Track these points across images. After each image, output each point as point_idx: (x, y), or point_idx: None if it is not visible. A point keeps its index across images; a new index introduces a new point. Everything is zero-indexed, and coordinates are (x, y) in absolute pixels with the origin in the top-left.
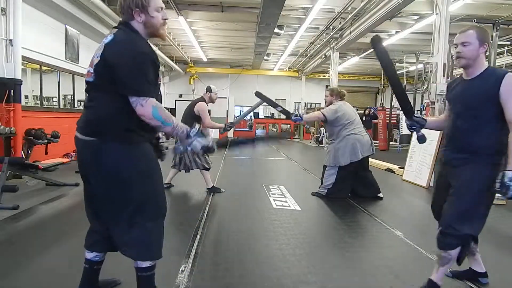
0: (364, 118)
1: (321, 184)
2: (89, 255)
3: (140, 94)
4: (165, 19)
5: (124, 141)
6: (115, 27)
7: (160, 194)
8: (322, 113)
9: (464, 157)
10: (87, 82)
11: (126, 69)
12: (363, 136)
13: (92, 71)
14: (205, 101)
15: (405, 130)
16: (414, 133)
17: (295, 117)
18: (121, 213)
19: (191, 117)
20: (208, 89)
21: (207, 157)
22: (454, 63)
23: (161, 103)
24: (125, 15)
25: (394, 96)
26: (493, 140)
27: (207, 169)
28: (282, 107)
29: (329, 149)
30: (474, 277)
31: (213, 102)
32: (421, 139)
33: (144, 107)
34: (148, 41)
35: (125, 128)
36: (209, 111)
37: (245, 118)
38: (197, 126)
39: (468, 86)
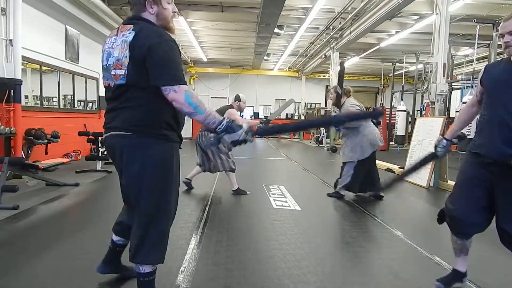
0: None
1: (339, 180)
2: (115, 237)
3: (173, 81)
4: (175, 12)
5: (162, 139)
6: (128, 23)
7: (172, 196)
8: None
9: None
10: (117, 86)
11: (157, 59)
12: (373, 128)
13: (123, 73)
14: (233, 108)
15: (400, 131)
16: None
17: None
18: (136, 209)
19: None
20: (237, 98)
21: (232, 158)
22: (504, 52)
23: None
24: (136, 6)
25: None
26: None
27: (233, 171)
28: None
29: (348, 144)
30: (458, 279)
31: (241, 111)
32: (461, 138)
33: (178, 92)
34: None
35: (161, 126)
36: None
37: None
38: (226, 120)
39: None
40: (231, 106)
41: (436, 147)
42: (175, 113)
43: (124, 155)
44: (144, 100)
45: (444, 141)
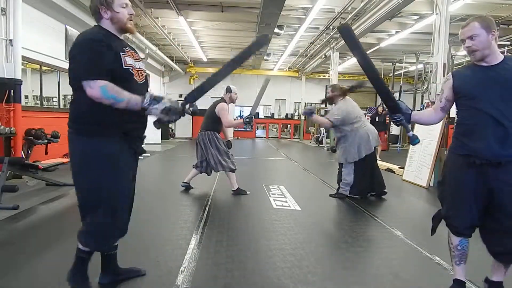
0: (377, 119)
1: (339, 183)
2: None
3: (87, 77)
4: (131, 14)
5: (85, 135)
6: None
7: (103, 191)
8: (328, 119)
9: None
10: None
11: (72, 59)
12: (369, 127)
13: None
14: (225, 102)
15: (394, 131)
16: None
17: (309, 111)
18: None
19: (213, 118)
20: (228, 90)
21: (232, 158)
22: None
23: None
24: (95, 16)
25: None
26: None
27: (233, 171)
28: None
29: (341, 146)
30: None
31: (233, 102)
32: (413, 140)
33: (93, 88)
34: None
35: (92, 122)
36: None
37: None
38: (147, 94)
39: (498, 71)
40: (222, 99)
41: (403, 107)
42: (114, 110)
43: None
44: (76, 99)
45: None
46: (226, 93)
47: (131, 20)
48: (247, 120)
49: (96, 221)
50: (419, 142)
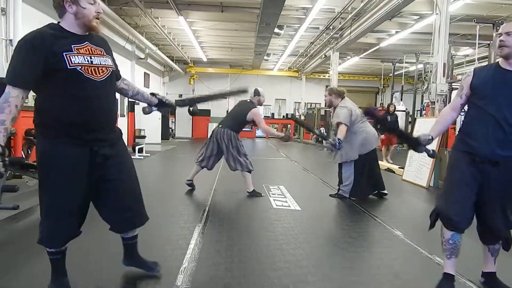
0: (388, 118)
1: (340, 183)
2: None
3: (8, 81)
4: (98, 12)
5: (40, 136)
6: None
7: (46, 190)
8: (343, 123)
9: None
10: None
11: (12, 57)
12: (368, 128)
13: None
14: (255, 106)
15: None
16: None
17: (338, 145)
18: None
19: (240, 121)
20: (256, 93)
21: (249, 159)
22: (496, 52)
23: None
24: (57, 10)
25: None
26: None
27: (250, 171)
28: (319, 133)
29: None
30: (450, 283)
31: (261, 105)
32: (432, 155)
33: (7, 89)
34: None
35: (41, 124)
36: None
37: None
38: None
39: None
40: (251, 102)
41: (423, 141)
42: (66, 113)
43: None
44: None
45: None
46: (254, 96)
47: (98, 19)
48: (286, 137)
49: (41, 217)
50: (437, 156)
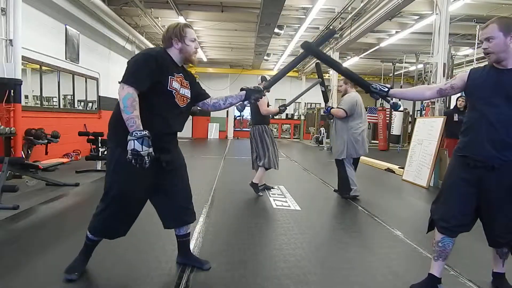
0: (455, 117)
1: (345, 185)
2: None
3: (124, 80)
4: (197, 48)
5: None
6: None
7: (111, 186)
8: (343, 109)
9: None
10: None
11: (128, 63)
12: (364, 134)
13: None
14: None
15: (395, 130)
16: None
17: (327, 108)
18: None
19: (257, 111)
20: (263, 79)
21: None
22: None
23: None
24: (165, 43)
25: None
26: None
27: (266, 169)
28: (325, 88)
29: (346, 139)
30: (434, 284)
31: (268, 92)
32: (394, 107)
33: (123, 89)
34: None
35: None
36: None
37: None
38: (145, 132)
39: (508, 75)
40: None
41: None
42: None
43: None
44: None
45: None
46: (261, 82)
47: (196, 53)
48: (282, 108)
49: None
50: (400, 107)
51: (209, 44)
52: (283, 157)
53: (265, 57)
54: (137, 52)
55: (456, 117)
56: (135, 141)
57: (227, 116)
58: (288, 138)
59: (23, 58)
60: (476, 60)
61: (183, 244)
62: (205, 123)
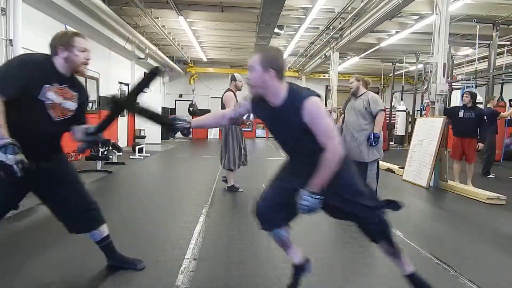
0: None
1: (376, 186)
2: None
3: None
4: (87, 59)
5: None
6: None
7: None
8: (383, 111)
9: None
10: None
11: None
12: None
13: None
14: (232, 91)
15: (399, 131)
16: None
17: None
18: None
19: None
20: (233, 78)
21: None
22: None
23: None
24: (51, 50)
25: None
26: None
27: (231, 170)
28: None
29: (360, 142)
30: (301, 271)
31: (239, 90)
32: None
33: None
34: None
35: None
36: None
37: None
38: (8, 140)
39: (278, 112)
40: (228, 89)
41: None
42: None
43: None
44: None
45: None
46: (231, 81)
47: (86, 64)
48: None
49: None
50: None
51: (209, 44)
52: (283, 157)
53: None
54: (137, 52)
55: (461, 114)
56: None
57: None
58: None
59: None
60: (477, 60)
61: (104, 249)
62: None
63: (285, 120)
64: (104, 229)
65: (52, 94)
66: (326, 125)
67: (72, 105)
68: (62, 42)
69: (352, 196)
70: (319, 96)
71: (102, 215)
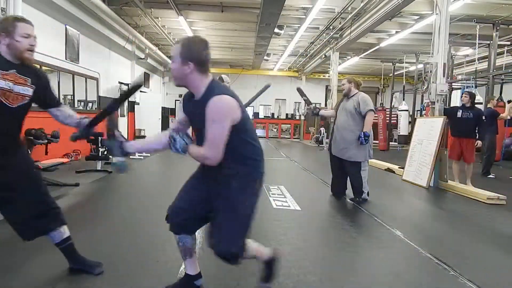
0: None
1: (359, 187)
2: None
3: None
4: (32, 45)
5: None
6: None
7: None
8: (372, 111)
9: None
10: None
11: None
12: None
13: None
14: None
15: (403, 131)
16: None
17: (367, 139)
18: None
19: None
20: (220, 79)
21: None
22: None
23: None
24: None
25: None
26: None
27: None
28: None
29: (350, 143)
30: (190, 283)
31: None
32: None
33: None
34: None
35: None
36: None
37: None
38: None
39: (196, 106)
40: None
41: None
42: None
43: None
44: None
45: None
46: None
47: (31, 51)
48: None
49: None
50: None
51: (209, 44)
52: (283, 157)
53: (265, 57)
54: (137, 52)
55: (460, 114)
56: None
57: None
58: (288, 138)
59: None
60: (477, 60)
61: (65, 251)
62: None
63: (199, 116)
64: (65, 231)
65: (1, 81)
66: (214, 131)
67: (25, 89)
68: (2, 28)
69: (226, 217)
70: (234, 97)
71: (63, 215)
